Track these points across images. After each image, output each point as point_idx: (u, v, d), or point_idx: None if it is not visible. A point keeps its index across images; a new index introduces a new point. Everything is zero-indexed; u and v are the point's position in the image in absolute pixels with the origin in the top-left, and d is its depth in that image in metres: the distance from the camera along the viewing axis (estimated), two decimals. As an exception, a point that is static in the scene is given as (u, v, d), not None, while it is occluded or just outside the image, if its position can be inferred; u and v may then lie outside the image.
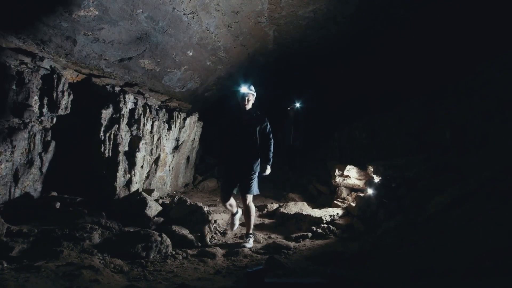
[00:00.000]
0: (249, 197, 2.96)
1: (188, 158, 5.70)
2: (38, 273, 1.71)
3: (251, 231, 3.08)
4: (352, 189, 4.22)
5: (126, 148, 3.84)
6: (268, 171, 2.99)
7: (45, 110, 3.19)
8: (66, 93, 3.34)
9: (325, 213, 3.62)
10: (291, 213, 3.82)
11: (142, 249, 2.33)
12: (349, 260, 2.12)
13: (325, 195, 4.83)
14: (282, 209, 3.97)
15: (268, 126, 3.04)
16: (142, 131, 4.05)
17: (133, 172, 3.83)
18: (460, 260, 1.17)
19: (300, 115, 6.36)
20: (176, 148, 5.01)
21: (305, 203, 4.28)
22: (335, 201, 4.11)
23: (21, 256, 2.00)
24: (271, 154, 3.01)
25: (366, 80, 6.44)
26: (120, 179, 3.66)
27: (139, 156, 3.92)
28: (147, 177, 4.27)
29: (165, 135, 4.63)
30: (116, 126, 3.67)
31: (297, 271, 1.75)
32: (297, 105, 6.44)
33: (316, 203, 4.55)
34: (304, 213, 3.70)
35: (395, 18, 4.84)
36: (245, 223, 3.13)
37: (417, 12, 4.60)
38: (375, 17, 4.86)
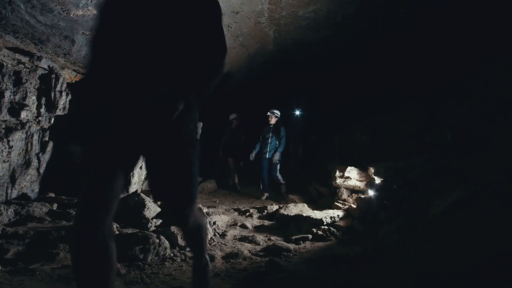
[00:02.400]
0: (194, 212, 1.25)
1: (187, 159, 5.67)
2: (33, 276, 1.68)
3: None
4: (352, 190, 4.18)
5: (125, 149, 3.81)
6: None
7: (42, 110, 3.17)
8: (64, 93, 3.31)
9: (326, 215, 3.58)
10: (291, 214, 3.78)
11: (139, 251, 2.29)
12: (350, 263, 2.08)
13: (325, 196, 4.79)
14: (282, 211, 3.94)
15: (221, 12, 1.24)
16: (141, 132, 4.02)
17: (131, 173, 3.80)
18: (466, 265, 1.14)
19: (298, 125, 5.78)
20: (175, 149, 4.97)
21: (305, 205, 4.24)
22: (336, 203, 4.08)
23: (16, 259, 1.97)
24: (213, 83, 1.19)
25: (367, 81, 6.42)
26: (119, 180, 3.63)
27: (138, 157, 3.89)
28: (146, 178, 4.24)
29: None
30: (115, 126, 3.64)
31: (298, 275, 1.72)
32: (297, 113, 5.91)
33: (316, 205, 4.52)
34: (304, 214, 3.66)
35: (396, 19, 4.82)
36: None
37: (417, 13, 4.58)
38: (375, 18, 4.84)
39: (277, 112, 5.41)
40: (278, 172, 5.30)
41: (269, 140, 5.32)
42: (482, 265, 1.04)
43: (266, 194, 5.28)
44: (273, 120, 5.36)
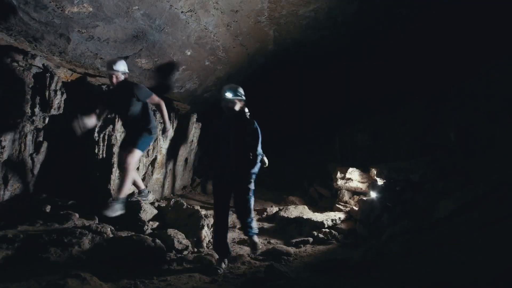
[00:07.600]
0: None
1: (186, 159, 5.59)
2: (20, 282, 1.60)
3: None
4: (354, 192, 4.10)
5: (121, 150, 3.73)
6: None
7: (37, 109, 3.08)
8: (59, 92, 3.24)
9: (327, 217, 3.50)
10: (292, 217, 3.70)
11: (134, 255, 2.21)
12: (353, 269, 2.00)
13: (326, 198, 4.71)
14: (282, 213, 3.85)
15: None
16: (138, 132, 3.93)
17: (128, 174, 3.71)
18: (481, 274, 1.06)
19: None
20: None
21: (306, 207, 4.16)
22: (337, 205, 4.00)
23: (4, 264, 1.88)
24: None
25: (368, 81, 6.35)
26: (115, 181, 3.54)
27: (135, 157, 3.80)
28: (143, 179, 4.15)
29: (162, 136, 4.51)
30: (111, 126, 3.56)
31: (299, 282, 1.64)
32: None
33: (317, 207, 4.43)
34: (304, 217, 3.58)
35: (397, 18, 4.76)
36: None
37: (420, 12, 4.51)
38: (376, 17, 4.77)
39: (242, 92, 2.65)
40: (252, 207, 2.53)
41: (234, 143, 2.51)
42: (502, 276, 0.96)
43: (221, 269, 2.29)
44: (237, 106, 2.60)
